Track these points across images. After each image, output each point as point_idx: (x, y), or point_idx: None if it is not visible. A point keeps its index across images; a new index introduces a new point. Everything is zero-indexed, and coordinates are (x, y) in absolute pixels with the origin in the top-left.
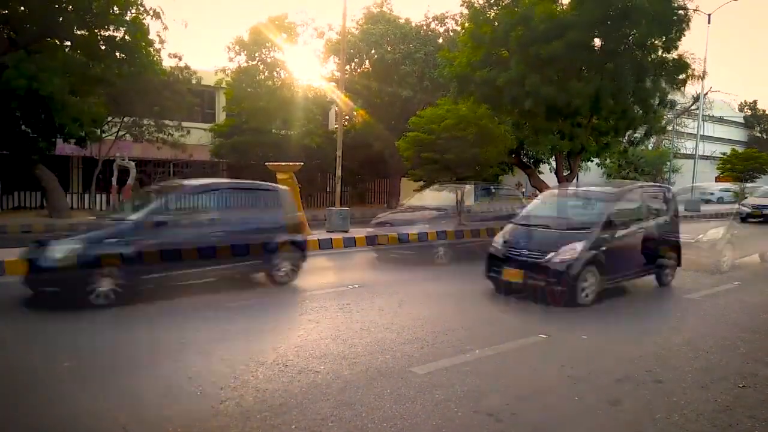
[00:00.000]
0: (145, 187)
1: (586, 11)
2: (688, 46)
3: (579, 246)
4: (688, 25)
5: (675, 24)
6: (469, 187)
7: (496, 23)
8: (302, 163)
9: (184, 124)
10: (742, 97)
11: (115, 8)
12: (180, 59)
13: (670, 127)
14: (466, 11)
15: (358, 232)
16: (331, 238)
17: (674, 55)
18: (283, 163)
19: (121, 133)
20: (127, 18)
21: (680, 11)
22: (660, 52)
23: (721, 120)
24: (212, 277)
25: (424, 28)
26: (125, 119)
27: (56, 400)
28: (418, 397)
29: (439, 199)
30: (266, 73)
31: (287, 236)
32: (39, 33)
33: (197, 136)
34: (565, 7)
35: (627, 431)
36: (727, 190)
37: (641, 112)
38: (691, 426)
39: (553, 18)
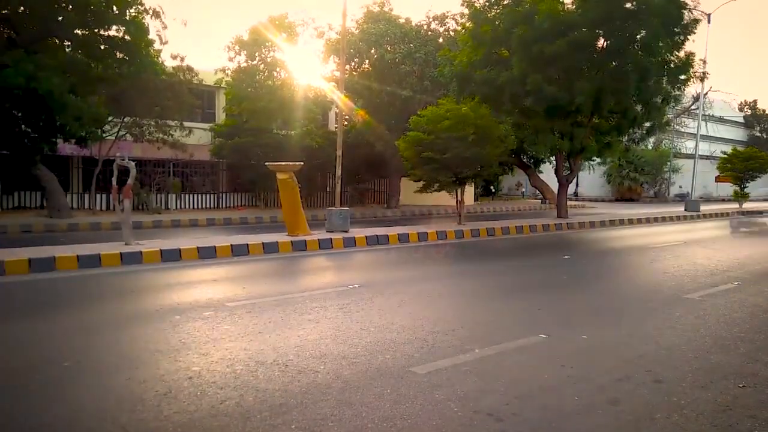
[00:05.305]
0: (145, 187)
1: (590, 10)
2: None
3: None
4: (694, 30)
5: (682, 27)
6: None
7: (497, 22)
8: (302, 163)
9: (184, 123)
10: (742, 97)
11: (115, 8)
12: (182, 60)
13: (670, 126)
14: (466, 11)
15: (358, 232)
16: (331, 238)
17: (681, 54)
18: (283, 163)
19: (121, 133)
20: (127, 17)
21: (686, 12)
22: (664, 53)
23: (721, 120)
24: None
25: (425, 27)
26: (125, 119)
27: (56, 400)
28: (418, 397)
29: None
30: (266, 73)
31: None
32: (39, 33)
33: (197, 136)
34: (568, 5)
35: (627, 431)
36: None
37: (643, 110)
38: (691, 426)
39: (557, 16)
